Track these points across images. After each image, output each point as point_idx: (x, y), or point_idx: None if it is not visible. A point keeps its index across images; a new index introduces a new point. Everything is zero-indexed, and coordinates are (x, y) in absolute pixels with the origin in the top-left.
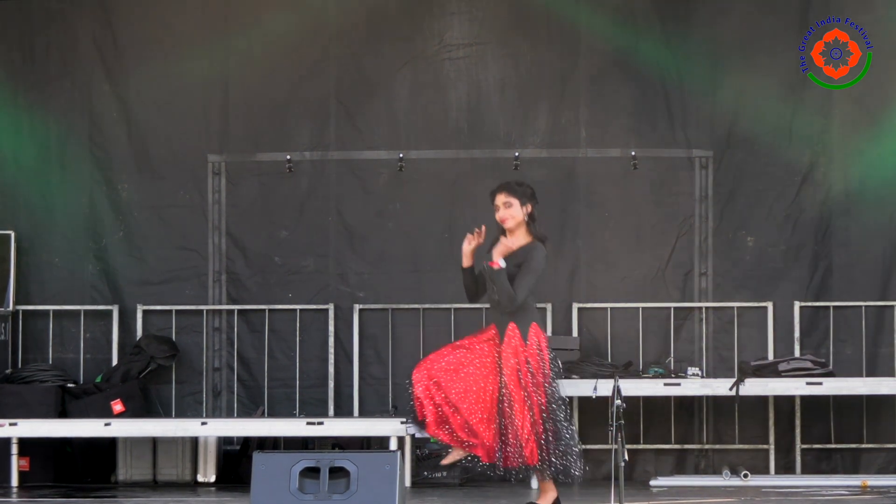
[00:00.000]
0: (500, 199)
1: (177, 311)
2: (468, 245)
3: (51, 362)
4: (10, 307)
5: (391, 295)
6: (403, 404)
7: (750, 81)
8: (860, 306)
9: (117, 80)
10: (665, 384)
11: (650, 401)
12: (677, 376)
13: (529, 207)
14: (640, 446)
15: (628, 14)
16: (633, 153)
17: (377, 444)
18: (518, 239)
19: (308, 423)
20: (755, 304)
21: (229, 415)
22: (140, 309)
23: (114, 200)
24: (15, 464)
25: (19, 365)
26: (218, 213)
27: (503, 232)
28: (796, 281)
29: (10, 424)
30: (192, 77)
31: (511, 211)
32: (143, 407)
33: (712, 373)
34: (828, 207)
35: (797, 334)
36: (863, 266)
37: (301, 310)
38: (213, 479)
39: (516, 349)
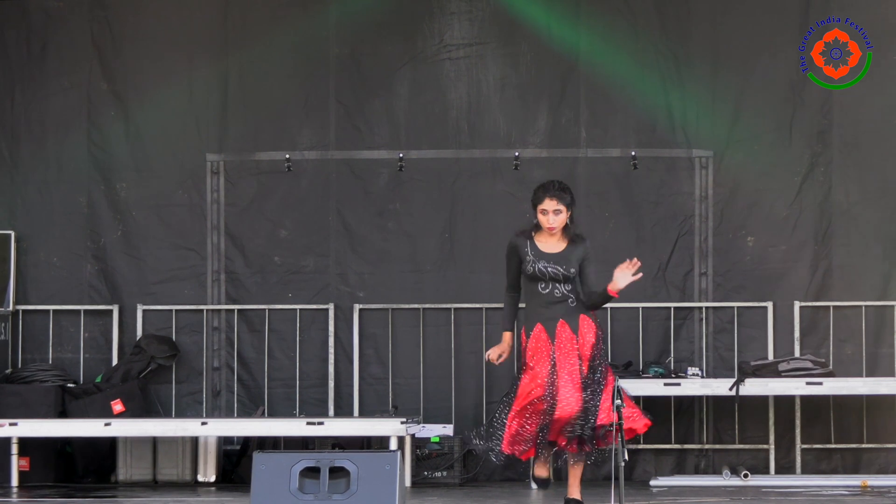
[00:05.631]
0: (552, 205)
1: (176, 310)
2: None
3: (51, 362)
4: (10, 307)
5: (391, 295)
6: (403, 404)
7: (750, 81)
8: (860, 306)
9: (115, 79)
10: (665, 384)
11: (650, 401)
12: (677, 376)
13: (571, 212)
14: (640, 446)
15: (628, 14)
16: (633, 153)
17: (377, 444)
18: (557, 239)
19: (308, 423)
20: (755, 304)
21: (229, 415)
22: (140, 309)
23: (112, 200)
24: (15, 464)
25: (19, 365)
26: (217, 212)
27: (536, 227)
28: (796, 281)
29: (10, 424)
30: (190, 76)
31: (560, 217)
32: (142, 407)
33: (712, 373)
34: (828, 207)
35: (797, 334)
36: (863, 266)
37: (301, 310)
38: (213, 479)
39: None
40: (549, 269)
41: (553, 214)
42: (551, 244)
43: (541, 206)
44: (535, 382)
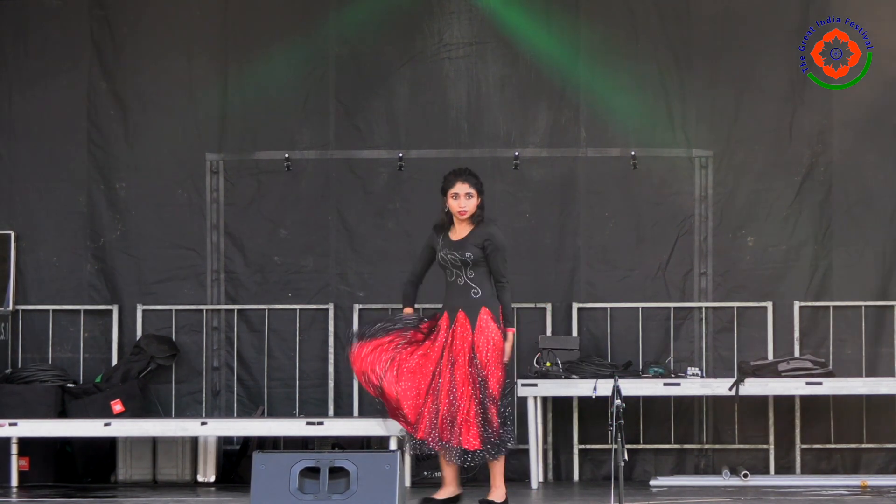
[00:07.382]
0: (463, 188)
1: (176, 310)
2: None
3: (50, 362)
4: (10, 307)
5: (391, 295)
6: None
7: (750, 81)
8: (860, 306)
9: (115, 78)
10: (665, 384)
11: (650, 401)
12: (677, 376)
13: (480, 200)
14: (640, 446)
15: (628, 14)
16: (633, 153)
17: (377, 444)
18: (464, 227)
19: (308, 423)
20: (755, 304)
21: (229, 415)
22: (140, 308)
23: (112, 199)
24: (15, 464)
25: (19, 365)
26: (216, 212)
27: (450, 219)
28: (796, 281)
29: (10, 424)
30: (190, 76)
31: (471, 202)
32: (142, 407)
33: (712, 373)
34: (828, 207)
35: (797, 334)
36: (863, 266)
37: (301, 309)
38: (212, 479)
39: (494, 332)
40: (448, 256)
41: (465, 198)
42: (458, 232)
43: (452, 191)
44: (415, 345)
